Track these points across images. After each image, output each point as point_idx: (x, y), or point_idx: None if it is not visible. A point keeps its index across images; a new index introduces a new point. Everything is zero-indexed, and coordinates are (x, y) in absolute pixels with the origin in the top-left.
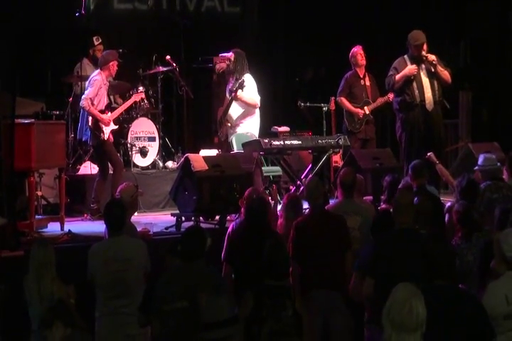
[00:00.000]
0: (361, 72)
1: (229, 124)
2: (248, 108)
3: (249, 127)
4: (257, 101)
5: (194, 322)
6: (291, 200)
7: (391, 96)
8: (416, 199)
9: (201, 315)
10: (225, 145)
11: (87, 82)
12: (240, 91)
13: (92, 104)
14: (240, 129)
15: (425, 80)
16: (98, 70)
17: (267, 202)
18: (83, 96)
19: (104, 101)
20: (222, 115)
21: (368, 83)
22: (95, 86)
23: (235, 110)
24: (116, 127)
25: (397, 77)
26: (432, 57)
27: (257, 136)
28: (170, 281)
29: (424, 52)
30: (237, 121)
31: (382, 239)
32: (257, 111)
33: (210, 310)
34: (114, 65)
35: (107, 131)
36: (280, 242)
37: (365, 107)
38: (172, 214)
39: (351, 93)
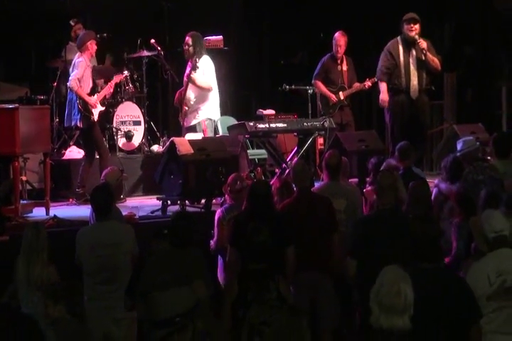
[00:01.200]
0: (339, 57)
1: (186, 108)
2: (203, 92)
3: (209, 112)
4: (210, 84)
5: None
6: (285, 183)
7: (368, 83)
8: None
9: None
10: (185, 131)
11: (71, 67)
12: (193, 73)
13: (80, 86)
14: (201, 115)
15: (413, 68)
16: (78, 53)
17: (270, 185)
18: (70, 78)
19: (89, 83)
20: (181, 99)
21: (345, 68)
22: (81, 67)
23: (191, 94)
24: (103, 108)
25: (381, 89)
26: (423, 44)
27: (217, 120)
28: (161, 267)
29: (417, 36)
30: (194, 105)
31: (364, 220)
32: (214, 95)
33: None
34: (92, 44)
35: (96, 112)
36: (259, 225)
37: (340, 92)
38: (158, 198)
39: (327, 78)
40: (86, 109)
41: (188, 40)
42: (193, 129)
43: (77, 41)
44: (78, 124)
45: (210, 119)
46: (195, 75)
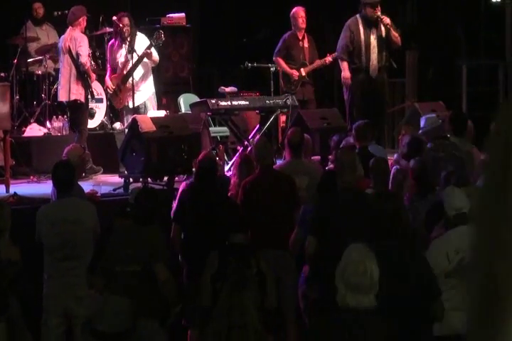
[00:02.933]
0: (300, 33)
1: (129, 87)
2: (148, 67)
3: (152, 87)
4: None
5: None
6: (244, 159)
7: (329, 59)
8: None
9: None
10: (128, 112)
11: (65, 41)
12: (150, 50)
13: None
14: (146, 92)
15: (373, 46)
16: (70, 28)
17: (217, 162)
18: (83, 53)
19: None
20: (121, 82)
21: (306, 45)
22: (87, 44)
23: (137, 73)
24: None
25: (343, 67)
26: (387, 20)
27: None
28: (123, 243)
29: (379, 13)
30: (139, 83)
31: (326, 199)
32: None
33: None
34: (84, 21)
35: None
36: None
37: (302, 69)
38: (120, 176)
39: (289, 54)
40: (90, 85)
41: (125, 20)
42: (141, 108)
43: (69, 16)
44: (81, 99)
45: (153, 93)
46: (153, 51)
